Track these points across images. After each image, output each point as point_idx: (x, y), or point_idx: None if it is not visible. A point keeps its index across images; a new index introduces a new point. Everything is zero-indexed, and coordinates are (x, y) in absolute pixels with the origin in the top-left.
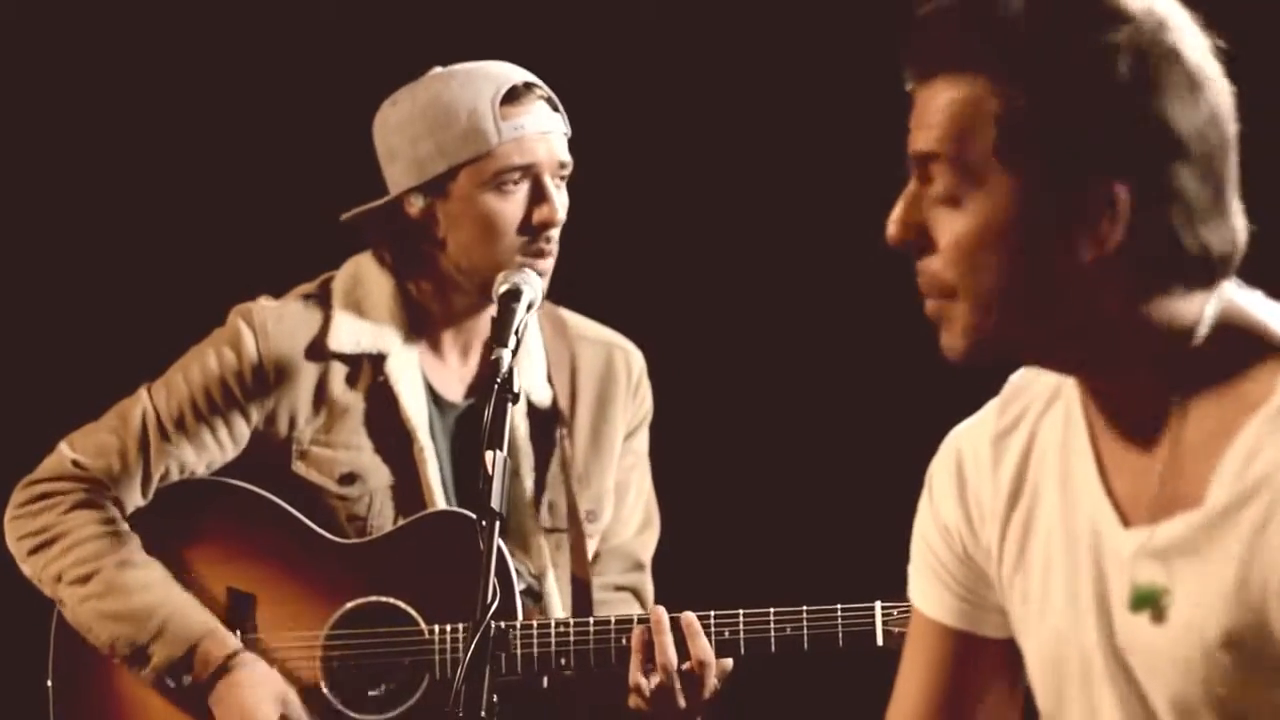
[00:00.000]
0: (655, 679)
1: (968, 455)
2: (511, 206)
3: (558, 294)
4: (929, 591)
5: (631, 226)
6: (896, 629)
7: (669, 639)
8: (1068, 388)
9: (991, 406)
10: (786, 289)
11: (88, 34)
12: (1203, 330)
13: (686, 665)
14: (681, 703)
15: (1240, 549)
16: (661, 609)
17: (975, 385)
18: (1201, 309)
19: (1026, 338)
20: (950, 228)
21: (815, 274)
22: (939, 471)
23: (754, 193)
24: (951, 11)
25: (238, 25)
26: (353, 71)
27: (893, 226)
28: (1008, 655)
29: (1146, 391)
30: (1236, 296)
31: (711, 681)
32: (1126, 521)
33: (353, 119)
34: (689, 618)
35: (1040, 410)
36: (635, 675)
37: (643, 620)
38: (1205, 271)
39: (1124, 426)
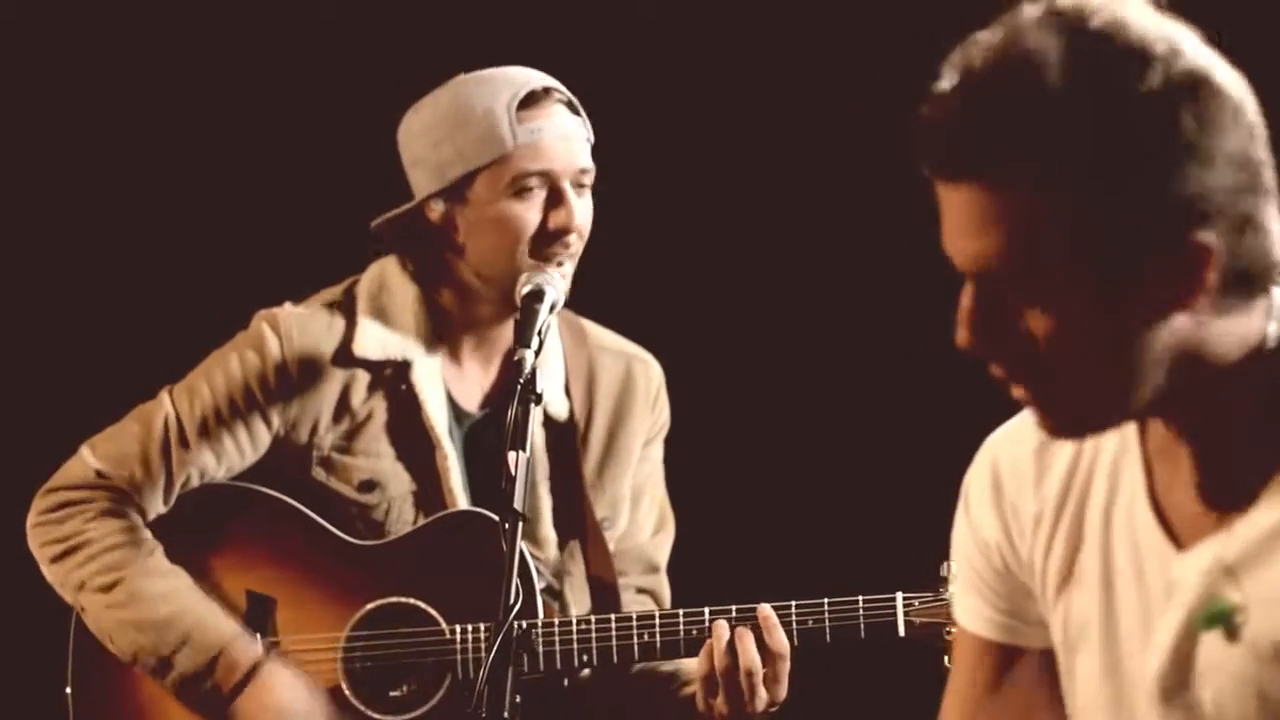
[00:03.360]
0: (739, 675)
1: (1005, 467)
2: (529, 212)
3: (576, 302)
4: (970, 605)
5: (648, 230)
6: (918, 620)
7: (778, 637)
8: None
9: (1030, 416)
10: (806, 283)
11: (116, 37)
12: (1271, 343)
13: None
14: (764, 698)
15: None
16: (768, 606)
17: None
18: (1265, 320)
19: (1131, 404)
20: (1037, 328)
21: (836, 267)
22: (975, 483)
23: (769, 196)
24: (979, 104)
25: (265, 27)
26: (376, 76)
27: (968, 338)
28: (1049, 666)
29: (1209, 411)
30: None
31: (786, 674)
32: (1179, 544)
33: (376, 123)
34: (765, 610)
35: None
36: (715, 670)
37: (720, 614)
38: (1266, 283)
39: (1182, 448)
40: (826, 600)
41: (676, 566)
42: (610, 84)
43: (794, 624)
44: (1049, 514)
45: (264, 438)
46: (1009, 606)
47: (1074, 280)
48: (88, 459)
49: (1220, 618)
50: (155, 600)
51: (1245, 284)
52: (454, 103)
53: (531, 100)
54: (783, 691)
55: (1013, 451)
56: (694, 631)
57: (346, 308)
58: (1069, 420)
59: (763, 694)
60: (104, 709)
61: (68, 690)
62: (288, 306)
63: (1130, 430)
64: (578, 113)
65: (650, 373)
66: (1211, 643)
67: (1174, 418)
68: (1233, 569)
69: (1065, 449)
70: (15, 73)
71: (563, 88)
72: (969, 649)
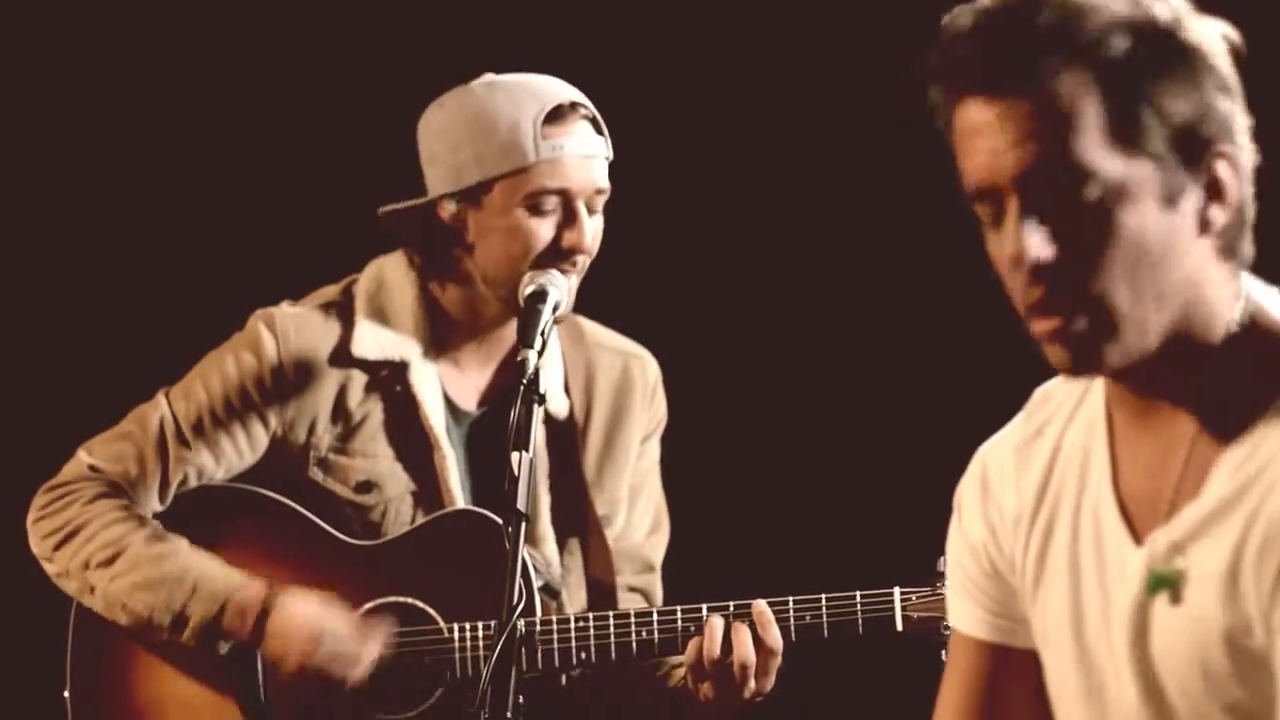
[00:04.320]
0: (734, 666)
1: (993, 468)
2: (542, 227)
3: (575, 299)
4: (963, 608)
5: (646, 228)
6: (916, 614)
7: (772, 633)
8: (1092, 396)
9: (1016, 420)
10: (800, 281)
11: (116, 37)
12: (1235, 324)
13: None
14: (752, 689)
15: (1231, 543)
16: (763, 602)
17: (983, 375)
18: (1234, 301)
19: (1148, 334)
20: (1094, 235)
21: (829, 265)
22: (966, 490)
23: (768, 192)
24: (1029, 10)
25: (265, 27)
26: (376, 74)
27: (1039, 252)
28: (1041, 666)
29: (1177, 391)
30: (1254, 291)
31: (775, 668)
32: (1138, 537)
33: (376, 122)
34: (760, 606)
35: (1065, 419)
36: (704, 660)
37: (717, 610)
38: (1242, 259)
39: (1147, 431)
40: (824, 596)
41: (674, 562)
42: (611, 82)
43: (792, 620)
44: (1028, 511)
45: (261, 438)
46: (999, 608)
47: (1143, 179)
48: (83, 458)
49: (1165, 581)
50: (159, 560)
51: (1231, 245)
52: (479, 107)
53: (557, 115)
54: (770, 684)
55: (999, 454)
56: (692, 629)
57: (344, 307)
58: (1092, 348)
59: (752, 684)
60: (103, 713)
61: (66, 694)
62: (284, 306)
63: (1099, 423)
64: (601, 131)
65: (647, 369)
66: (1161, 607)
67: (1137, 395)
68: (1179, 544)
69: (1044, 446)
70: (15, 73)
71: (588, 103)
72: (962, 650)
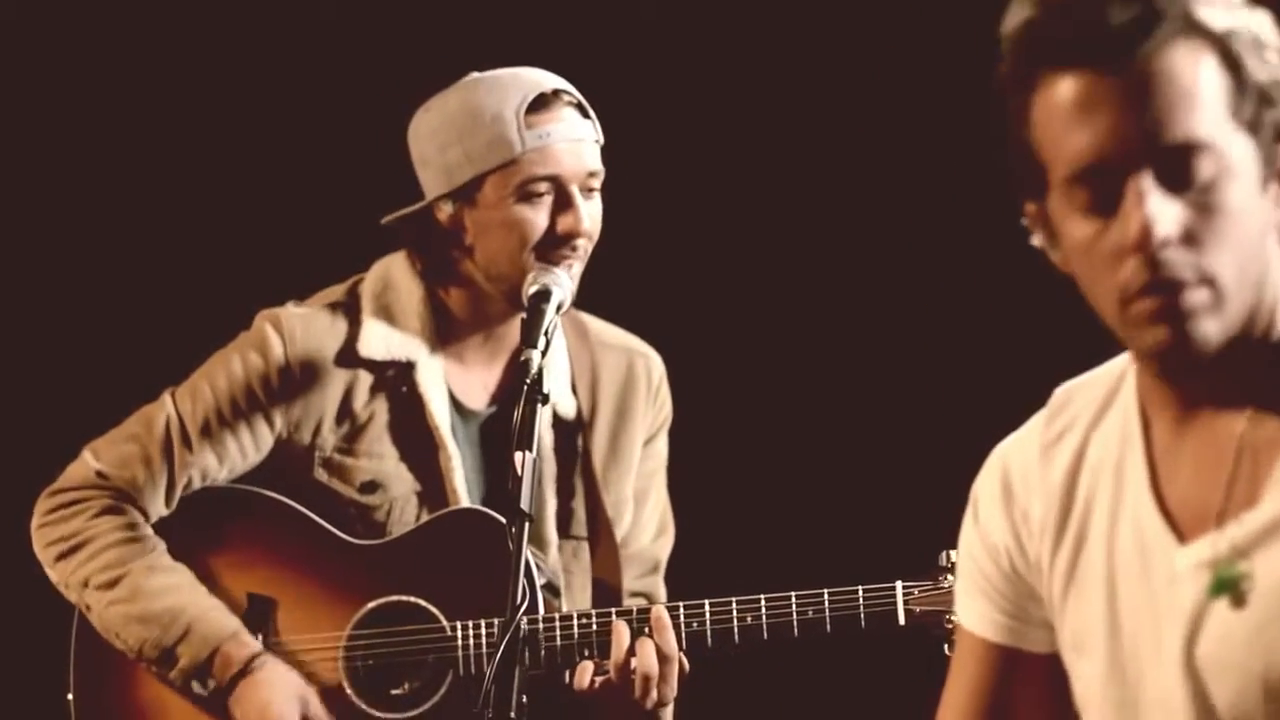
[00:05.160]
0: (639, 674)
1: (1015, 470)
2: (538, 216)
3: (578, 297)
4: (974, 607)
5: (649, 225)
6: (918, 608)
7: (667, 639)
8: (1122, 399)
9: (1038, 419)
10: (802, 278)
11: (117, 37)
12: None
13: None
14: (653, 698)
15: None
16: (661, 607)
17: (984, 372)
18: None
19: (1244, 313)
20: (1210, 211)
21: (832, 262)
22: (984, 489)
23: (773, 188)
24: None
25: (268, 27)
26: (380, 74)
27: (1169, 230)
28: (1052, 669)
29: (1226, 391)
30: None
31: (675, 675)
32: (1183, 537)
33: (378, 121)
34: (658, 612)
35: (1090, 421)
36: (611, 668)
37: (622, 614)
38: None
39: (1189, 437)
40: (826, 591)
41: (677, 559)
42: (612, 81)
43: (794, 615)
44: (1054, 514)
45: (266, 438)
46: (1014, 609)
47: (1248, 157)
48: (89, 461)
49: (1228, 584)
50: (158, 594)
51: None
52: (463, 105)
53: (540, 104)
54: (671, 691)
55: (1021, 456)
56: (694, 624)
57: (350, 307)
58: (1201, 324)
59: (653, 694)
60: (105, 716)
61: (69, 697)
62: (290, 306)
63: (1134, 430)
64: (587, 115)
65: (651, 366)
66: (1220, 612)
67: (1195, 387)
68: (1243, 550)
69: (1066, 450)
70: (16, 73)
71: (573, 90)
72: (970, 650)
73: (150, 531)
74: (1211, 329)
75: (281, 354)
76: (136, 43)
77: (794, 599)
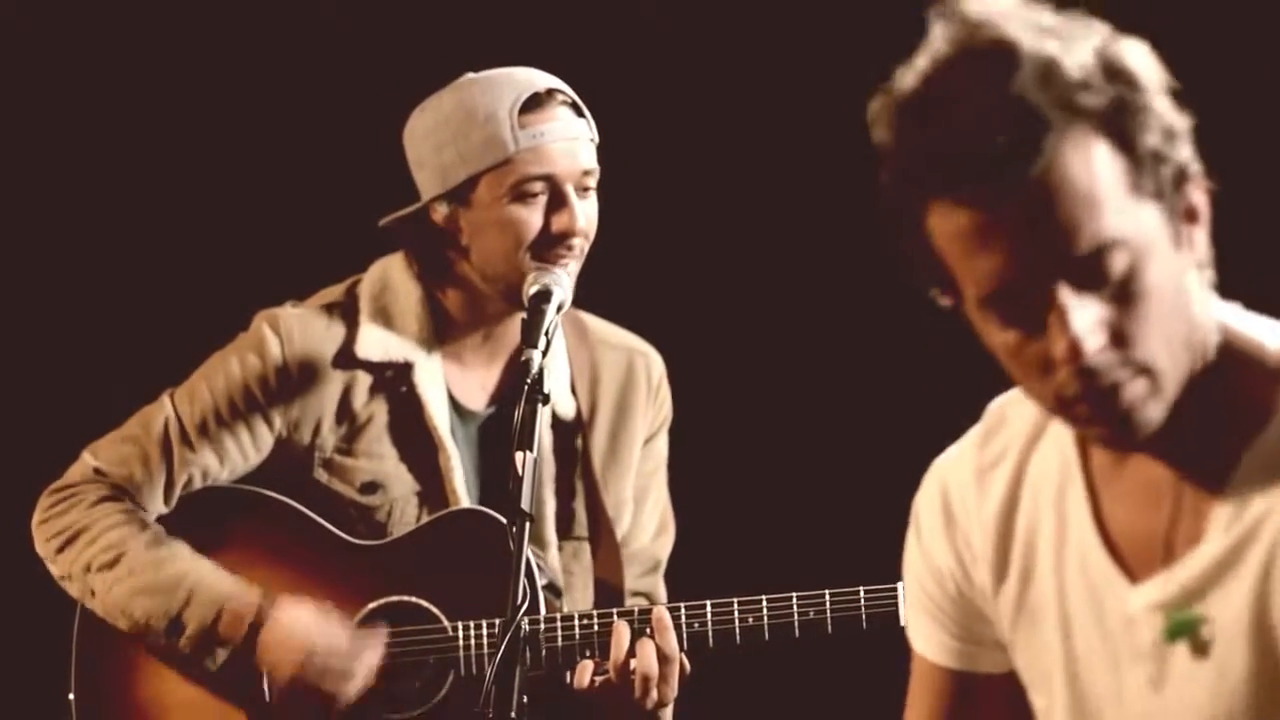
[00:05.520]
0: (637, 674)
1: (954, 492)
2: (533, 215)
3: (578, 296)
4: (924, 630)
5: (649, 224)
6: None
7: (668, 639)
8: (1056, 422)
9: (972, 439)
10: (804, 277)
11: (117, 37)
12: (1212, 354)
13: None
14: (654, 699)
15: (1249, 593)
16: (662, 608)
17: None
18: (1213, 326)
19: (1184, 379)
20: (1138, 306)
21: (833, 261)
22: (925, 509)
23: (771, 187)
24: (1014, 96)
25: (267, 27)
26: (378, 74)
27: (1095, 342)
28: (1011, 689)
29: (1169, 426)
30: (1223, 313)
31: (675, 676)
32: (1133, 576)
33: (377, 122)
34: (660, 613)
35: (1025, 445)
36: (610, 668)
37: (623, 615)
38: (1208, 280)
39: (1128, 465)
40: (828, 591)
41: (677, 559)
42: (612, 81)
43: (795, 616)
44: (992, 545)
45: (266, 439)
46: (964, 633)
47: (1156, 225)
48: (88, 460)
49: (1184, 627)
50: (157, 564)
51: (1205, 268)
52: (457, 106)
53: (534, 103)
54: (671, 692)
55: (958, 477)
56: (695, 625)
57: (348, 308)
58: (1140, 416)
59: (653, 694)
60: (107, 715)
61: (70, 696)
62: (288, 307)
63: (1071, 455)
64: (581, 114)
65: (651, 365)
66: (1180, 658)
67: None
68: (1193, 591)
69: (1003, 474)
70: (16, 74)
71: (567, 88)
72: (925, 675)
73: (147, 517)
74: (1154, 413)
75: (279, 354)
76: (136, 43)
77: (795, 600)
